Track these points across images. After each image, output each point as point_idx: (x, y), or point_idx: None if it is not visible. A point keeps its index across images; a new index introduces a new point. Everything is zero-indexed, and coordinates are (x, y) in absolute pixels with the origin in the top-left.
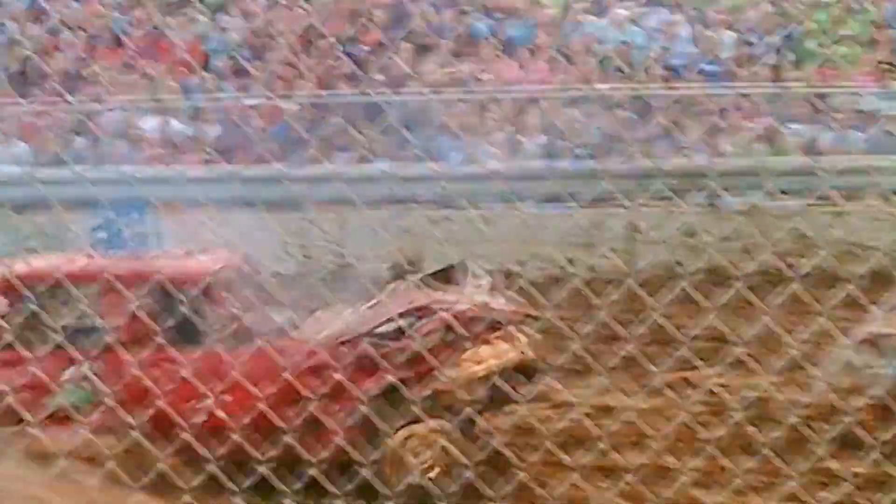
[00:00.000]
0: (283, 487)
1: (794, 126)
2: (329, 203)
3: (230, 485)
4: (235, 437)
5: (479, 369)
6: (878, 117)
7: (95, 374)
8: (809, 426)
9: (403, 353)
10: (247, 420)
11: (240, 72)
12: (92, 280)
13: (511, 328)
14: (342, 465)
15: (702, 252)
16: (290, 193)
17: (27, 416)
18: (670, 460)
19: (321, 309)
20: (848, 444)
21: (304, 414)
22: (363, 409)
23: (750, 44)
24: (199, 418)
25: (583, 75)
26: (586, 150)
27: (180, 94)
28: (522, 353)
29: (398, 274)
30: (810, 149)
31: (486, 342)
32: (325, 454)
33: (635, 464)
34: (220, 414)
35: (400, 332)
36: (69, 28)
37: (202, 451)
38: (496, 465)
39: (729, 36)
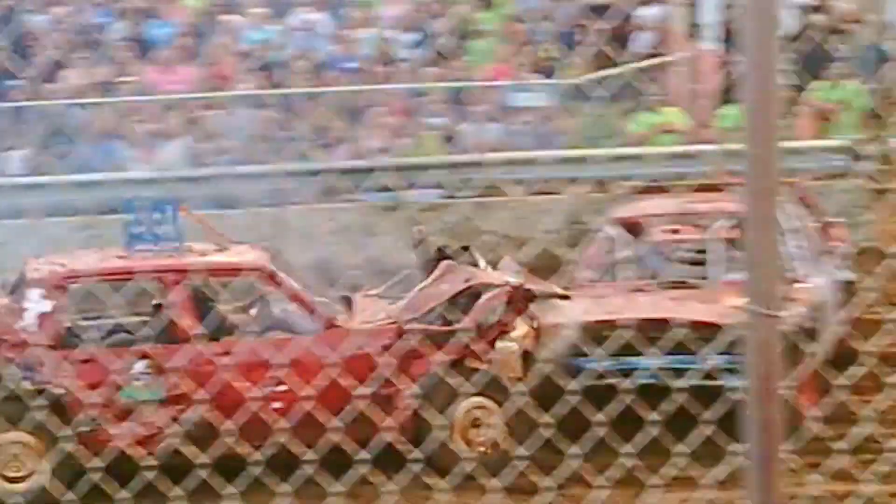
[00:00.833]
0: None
1: (434, 120)
2: None
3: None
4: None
5: (516, 346)
6: (516, 110)
7: (159, 370)
8: None
9: (467, 331)
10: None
11: None
12: (144, 277)
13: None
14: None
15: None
16: None
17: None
18: None
19: (353, 296)
20: None
21: (375, 395)
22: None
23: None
24: (276, 405)
25: (224, 75)
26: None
27: None
28: (536, 329)
29: (441, 256)
30: (450, 142)
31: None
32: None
33: None
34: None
35: (462, 309)
36: None
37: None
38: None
39: (369, 33)
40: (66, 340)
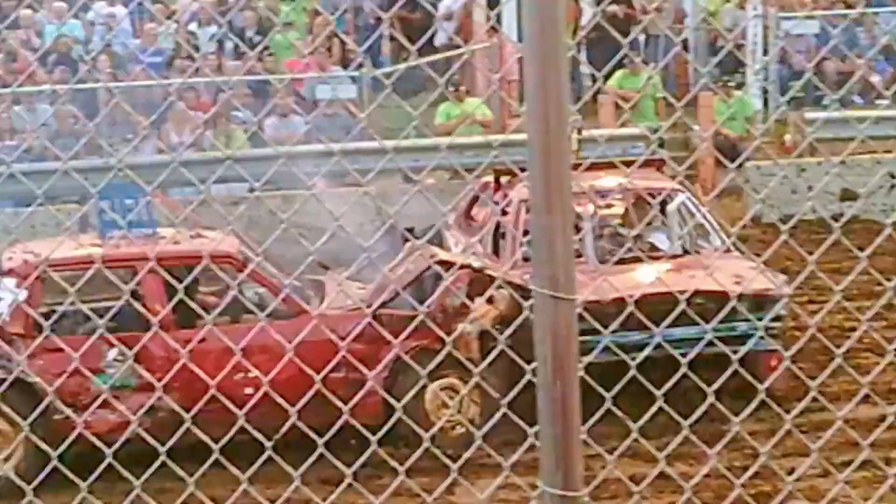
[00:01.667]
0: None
1: (238, 114)
2: None
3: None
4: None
5: (472, 327)
6: (318, 102)
7: (133, 359)
8: None
9: (440, 312)
10: (293, 391)
11: None
12: (123, 264)
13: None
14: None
15: None
16: None
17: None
18: None
19: (324, 280)
20: None
21: (344, 379)
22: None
23: (193, 34)
24: (247, 391)
25: (23, 69)
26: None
27: None
28: (502, 309)
29: (406, 237)
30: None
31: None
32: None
33: None
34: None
35: (426, 290)
36: None
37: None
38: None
39: (169, 27)
40: (39, 329)
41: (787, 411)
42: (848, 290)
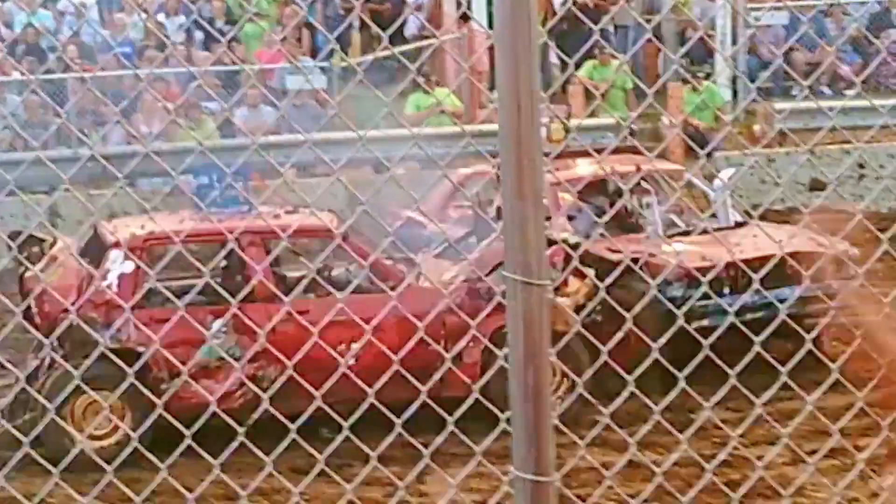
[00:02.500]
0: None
1: (208, 104)
2: None
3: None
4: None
5: (570, 302)
6: (287, 92)
7: (235, 329)
8: None
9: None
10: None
11: None
12: (223, 238)
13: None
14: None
15: None
16: None
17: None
18: None
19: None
20: None
21: (450, 353)
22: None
23: (161, 24)
24: (350, 364)
25: None
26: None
27: None
28: (591, 285)
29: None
30: (227, 125)
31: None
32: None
33: None
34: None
35: None
36: None
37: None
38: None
39: (139, 17)
40: (146, 300)
41: (757, 397)
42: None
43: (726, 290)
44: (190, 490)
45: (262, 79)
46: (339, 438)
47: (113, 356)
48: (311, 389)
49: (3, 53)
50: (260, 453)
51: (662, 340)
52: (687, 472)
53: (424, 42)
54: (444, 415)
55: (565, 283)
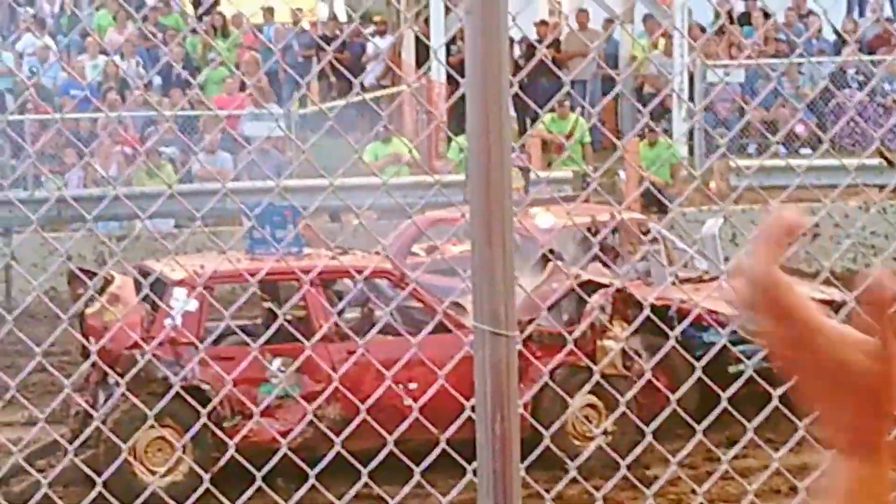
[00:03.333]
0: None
1: (167, 149)
2: None
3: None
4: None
5: (616, 346)
6: (249, 140)
7: (296, 369)
8: None
9: (580, 331)
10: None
11: None
12: (288, 278)
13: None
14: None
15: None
16: None
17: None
18: None
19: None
20: None
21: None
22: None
23: (118, 67)
24: (406, 405)
25: None
26: None
27: None
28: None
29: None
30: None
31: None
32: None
33: None
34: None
35: (569, 309)
36: None
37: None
38: None
39: (102, 61)
40: (196, 341)
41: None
42: None
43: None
44: None
45: (221, 125)
46: (412, 482)
47: (185, 394)
48: (383, 432)
49: None
50: (330, 496)
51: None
52: None
53: (384, 91)
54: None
55: (610, 326)
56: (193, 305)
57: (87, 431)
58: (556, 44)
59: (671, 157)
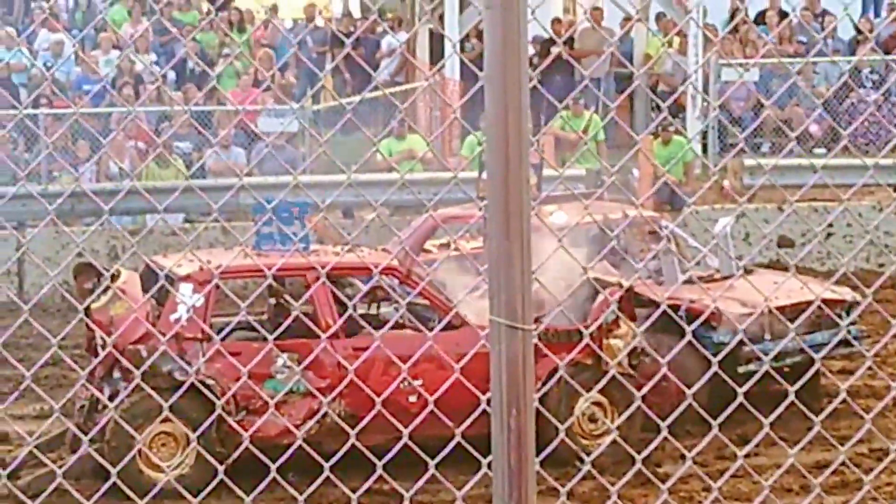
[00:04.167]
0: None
1: (181, 144)
2: None
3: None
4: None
5: (622, 344)
6: (264, 135)
7: (300, 364)
8: None
9: (592, 329)
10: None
11: None
12: (295, 274)
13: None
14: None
15: None
16: None
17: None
18: None
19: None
20: None
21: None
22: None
23: (131, 62)
24: (412, 399)
25: None
26: None
27: None
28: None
29: None
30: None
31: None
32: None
33: None
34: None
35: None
36: None
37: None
38: None
39: (115, 56)
40: (216, 333)
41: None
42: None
43: (767, 336)
44: None
45: (236, 119)
46: (426, 476)
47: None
48: (400, 426)
49: None
50: (347, 490)
51: (697, 386)
52: None
53: (398, 88)
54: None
55: (617, 325)
56: (199, 301)
57: (102, 423)
58: (569, 41)
59: (686, 154)
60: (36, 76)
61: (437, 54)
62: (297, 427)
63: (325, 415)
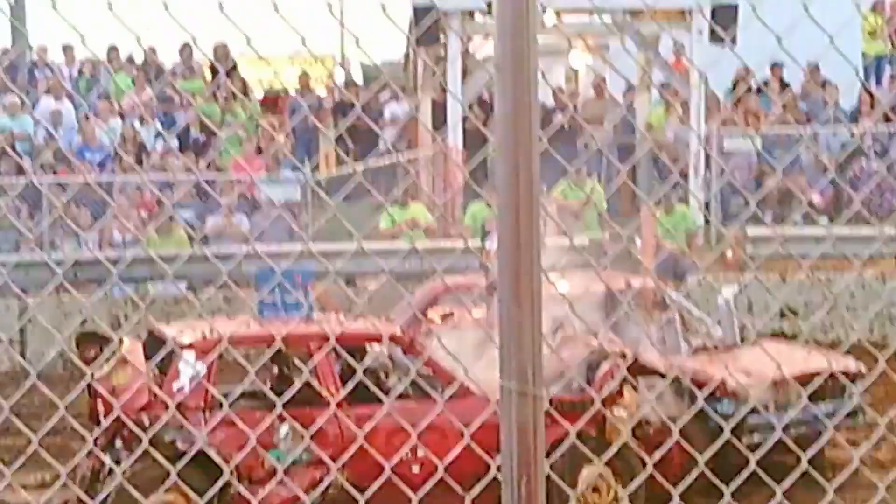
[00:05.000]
0: None
1: (183, 212)
2: None
3: None
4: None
5: (625, 414)
6: (266, 203)
7: (303, 433)
8: None
9: (589, 400)
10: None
11: None
12: (300, 343)
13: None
14: None
15: None
16: None
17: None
18: None
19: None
20: None
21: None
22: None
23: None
24: (415, 469)
25: None
26: None
27: None
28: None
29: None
30: (197, 232)
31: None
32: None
33: None
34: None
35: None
36: None
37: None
38: None
39: (115, 123)
40: (218, 403)
41: None
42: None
43: (771, 407)
44: None
45: (237, 189)
46: None
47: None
48: (410, 493)
49: None
50: None
51: (708, 454)
52: None
53: (401, 156)
54: None
55: (620, 394)
56: (201, 369)
57: (105, 492)
58: (573, 110)
59: (689, 225)
60: (38, 144)
61: (439, 123)
62: (299, 498)
63: (329, 486)
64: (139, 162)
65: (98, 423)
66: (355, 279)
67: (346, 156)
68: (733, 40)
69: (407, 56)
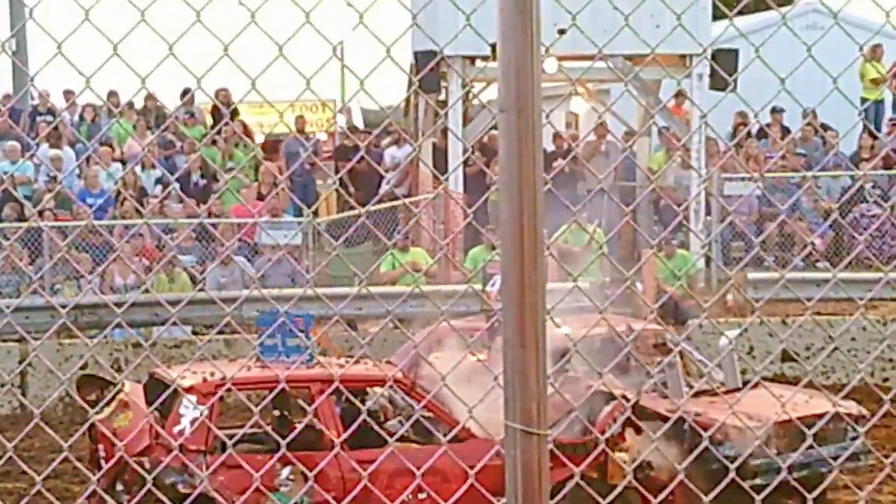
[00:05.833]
0: None
1: (184, 258)
2: None
3: None
4: None
5: (627, 457)
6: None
7: (304, 477)
8: None
9: (590, 443)
10: None
11: None
12: (303, 386)
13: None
14: None
15: None
16: None
17: None
18: None
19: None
20: None
21: None
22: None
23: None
24: None
25: None
26: None
27: None
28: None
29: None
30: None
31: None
32: None
33: None
34: None
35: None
36: None
37: None
38: None
39: (114, 168)
40: (220, 445)
41: None
42: None
43: (773, 450)
44: None
45: (238, 233)
46: None
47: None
48: None
49: None
50: None
51: (713, 495)
52: None
53: (402, 201)
54: None
55: (623, 437)
56: (202, 412)
57: None
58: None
59: (690, 269)
60: (39, 189)
61: (439, 168)
62: None
63: None
64: (141, 206)
65: (99, 466)
66: (356, 323)
67: (349, 198)
68: (734, 85)
69: (407, 101)
